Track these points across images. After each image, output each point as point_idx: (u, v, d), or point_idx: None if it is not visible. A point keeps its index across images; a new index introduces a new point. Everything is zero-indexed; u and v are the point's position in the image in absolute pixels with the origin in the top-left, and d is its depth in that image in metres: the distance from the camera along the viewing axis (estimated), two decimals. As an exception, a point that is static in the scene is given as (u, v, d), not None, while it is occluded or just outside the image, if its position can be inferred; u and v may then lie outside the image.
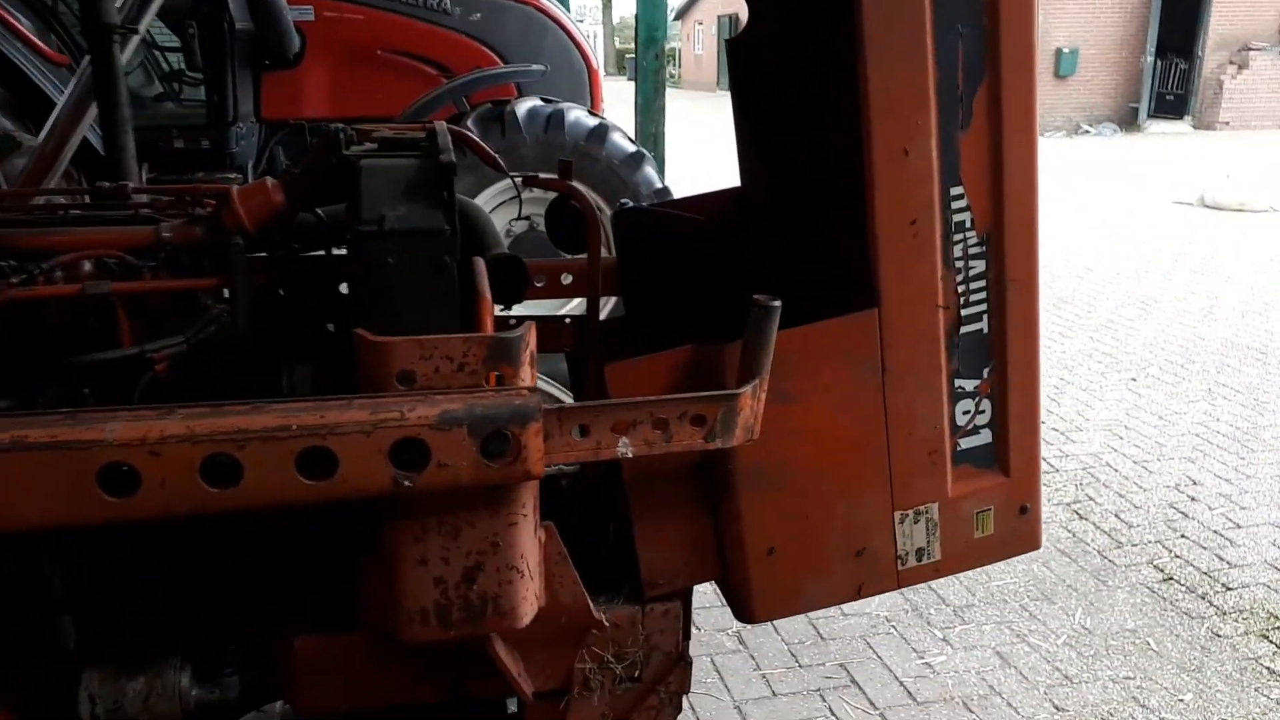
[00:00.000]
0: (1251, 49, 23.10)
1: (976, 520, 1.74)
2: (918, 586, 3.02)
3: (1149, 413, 5.26)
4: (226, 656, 1.57)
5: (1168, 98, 24.11)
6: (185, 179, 4.95)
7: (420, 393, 1.28)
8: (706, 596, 2.96)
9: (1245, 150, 18.45)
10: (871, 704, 2.87)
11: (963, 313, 1.66)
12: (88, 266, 1.52)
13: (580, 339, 2.17)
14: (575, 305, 3.61)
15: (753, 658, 3.06)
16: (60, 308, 1.49)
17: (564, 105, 5.04)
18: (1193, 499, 4.24)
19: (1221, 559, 3.73)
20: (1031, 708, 2.87)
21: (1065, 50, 23.17)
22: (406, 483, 1.25)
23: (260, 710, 1.69)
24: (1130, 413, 5.26)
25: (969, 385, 1.70)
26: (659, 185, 5.11)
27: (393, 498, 1.31)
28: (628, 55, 40.25)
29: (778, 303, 1.40)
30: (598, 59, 6.21)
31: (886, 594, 1.97)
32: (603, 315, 2.12)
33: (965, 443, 1.72)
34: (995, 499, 1.74)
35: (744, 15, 2.13)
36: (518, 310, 2.00)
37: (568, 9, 7.01)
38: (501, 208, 4.88)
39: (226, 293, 1.54)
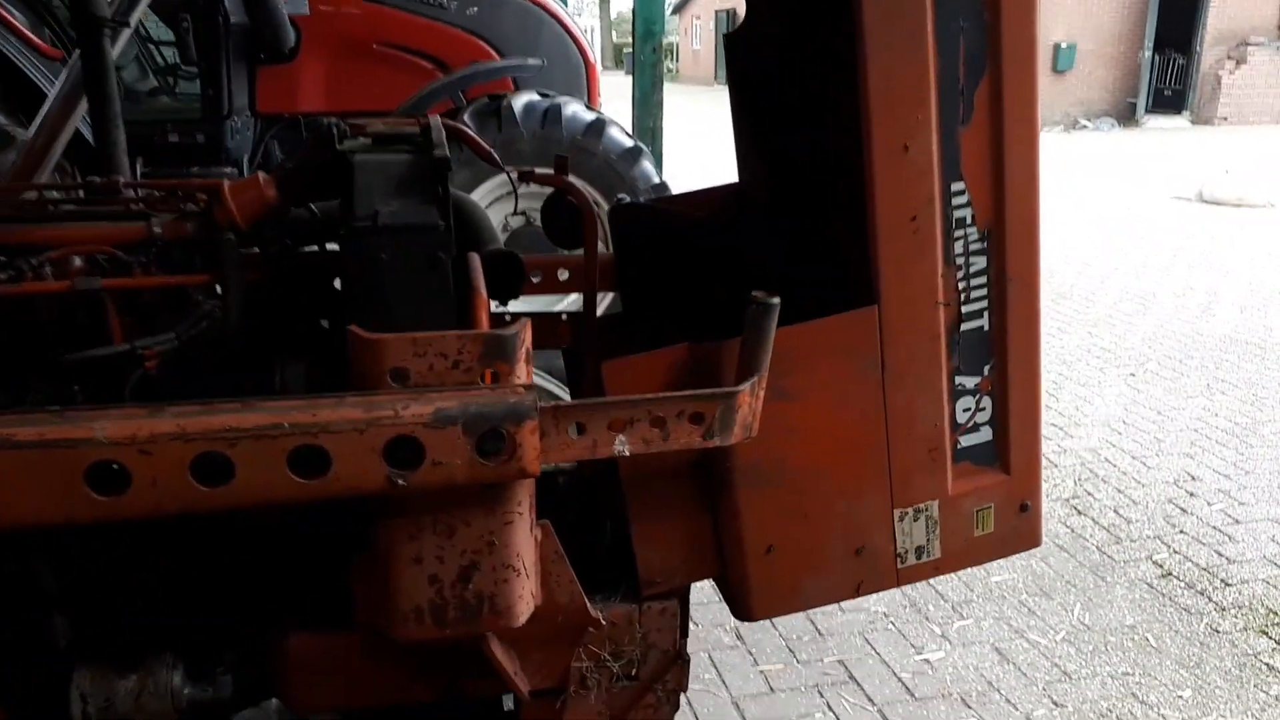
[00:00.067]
0: (1250, 44, 23.12)
1: (977, 518, 1.73)
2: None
3: (1147, 408, 5.26)
4: (219, 655, 1.56)
5: (1166, 93, 24.14)
6: (180, 173, 4.94)
7: (414, 390, 1.26)
8: (704, 591, 2.96)
9: (1243, 145, 18.46)
10: (870, 700, 2.86)
11: (963, 309, 1.65)
12: (78, 262, 1.51)
13: (577, 335, 2.16)
14: (572, 301, 3.60)
15: (751, 653, 3.05)
16: (50, 304, 1.48)
17: (561, 100, 5.02)
18: (1191, 494, 4.24)
19: (1220, 554, 3.73)
20: (1030, 704, 2.86)
21: (1063, 45, 23.17)
22: (400, 481, 1.24)
23: (257, 707, 1.68)
24: (1129, 408, 5.26)
25: (969, 382, 1.69)
26: (656, 180, 5.09)
27: (387, 496, 1.29)
28: (625, 49, 40.24)
29: (776, 299, 1.38)
30: (595, 53, 6.19)
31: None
32: (600, 311, 2.11)
33: (965, 440, 1.71)
34: (995, 497, 1.73)
35: (741, 10, 2.12)
36: (514, 306, 1.98)
37: (565, 3, 6.98)
38: (498, 203, 4.86)
39: (218, 289, 1.53)
